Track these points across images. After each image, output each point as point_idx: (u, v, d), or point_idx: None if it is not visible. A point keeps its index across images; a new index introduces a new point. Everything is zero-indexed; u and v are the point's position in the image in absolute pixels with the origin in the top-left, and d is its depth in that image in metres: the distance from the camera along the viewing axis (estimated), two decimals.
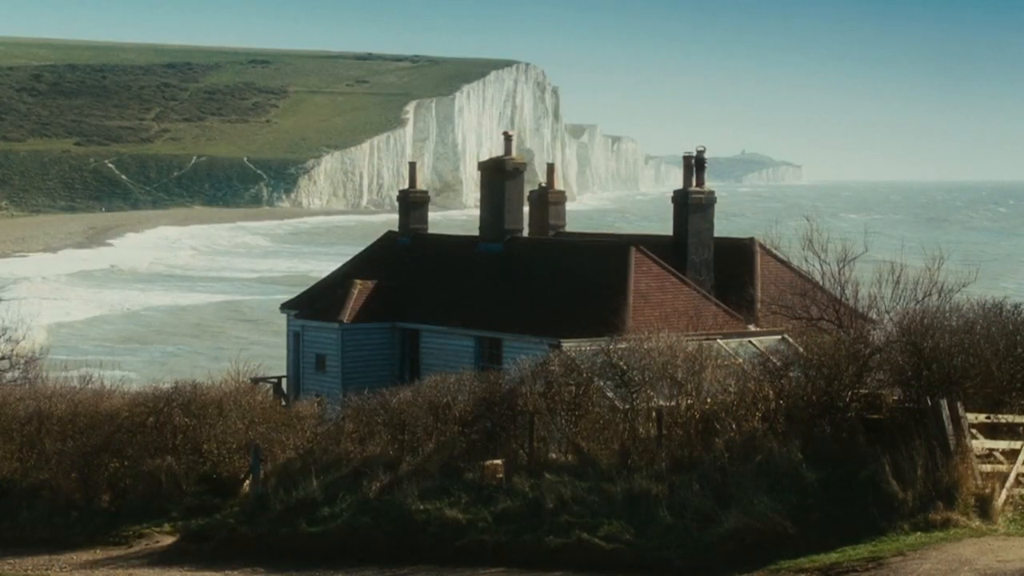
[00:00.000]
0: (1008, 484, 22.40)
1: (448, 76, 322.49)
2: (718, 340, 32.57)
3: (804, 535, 21.73)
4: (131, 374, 60.90)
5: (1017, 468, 22.74)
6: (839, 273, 35.91)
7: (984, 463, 22.74)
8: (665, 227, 43.48)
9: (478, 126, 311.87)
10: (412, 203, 47.19)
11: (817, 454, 23.66)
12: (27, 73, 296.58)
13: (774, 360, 28.01)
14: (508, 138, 45.19)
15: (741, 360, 28.75)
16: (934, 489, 21.99)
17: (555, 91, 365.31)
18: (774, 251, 41.03)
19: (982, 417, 23.44)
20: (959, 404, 22.87)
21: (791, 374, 26.25)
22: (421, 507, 25.05)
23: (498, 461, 26.17)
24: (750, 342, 33.49)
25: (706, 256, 40.54)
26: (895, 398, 25.08)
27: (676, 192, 41.60)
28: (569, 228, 46.73)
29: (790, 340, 30.69)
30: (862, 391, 25.25)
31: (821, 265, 36.61)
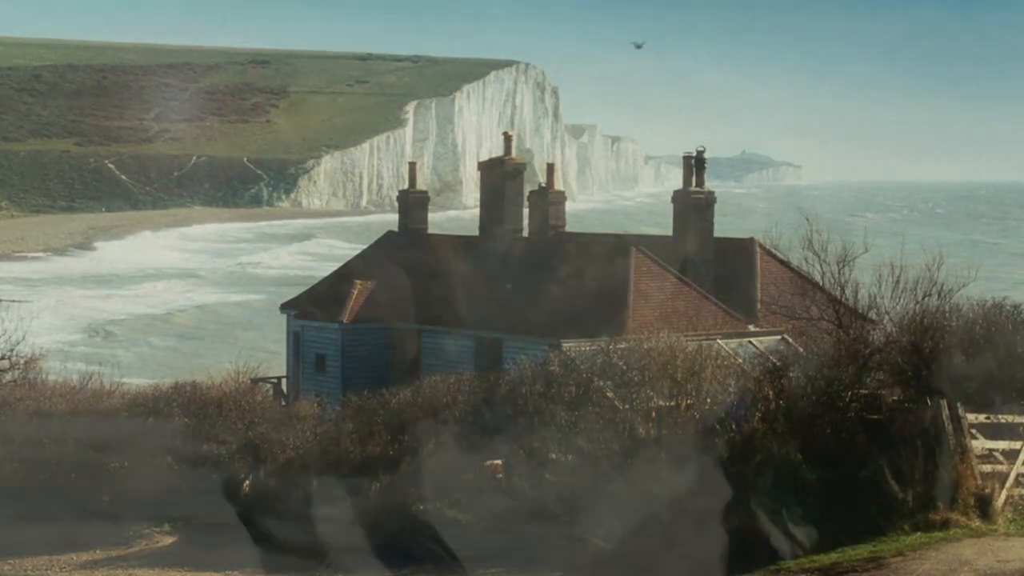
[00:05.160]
0: (1008, 484, 22.40)
1: (448, 76, 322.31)
2: (718, 340, 32.62)
3: (804, 535, 21.73)
4: (131, 373, 60.80)
5: (1017, 468, 22.74)
6: (839, 273, 35.87)
7: (984, 463, 22.74)
8: (665, 227, 43.44)
9: (478, 126, 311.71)
10: (412, 203, 47.17)
11: (817, 454, 23.66)
12: (27, 73, 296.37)
13: (774, 360, 28.02)
14: (508, 138, 45.20)
15: (741, 360, 28.77)
16: (934, 489, 21.99)
17: (555, 91, 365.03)
18: (774, 251, 41.00)
19: (982, 417, 23.44)
20: (959, 404, 22.87)
21: (791, 374, 26.26)
22: (421, 507, 25.07)
23: (498, 461, 26.18)
24: (750, 342, 33.54)
25: (706, 256, 40.53)
26: (895, 398, 25.08)
27: (676, 192, 41.61)
28: (569, 228, 46.69)
29: (790, 340, 30.71)
30: (862, 391, 25.25)
31: (821, 265, 36.57)
